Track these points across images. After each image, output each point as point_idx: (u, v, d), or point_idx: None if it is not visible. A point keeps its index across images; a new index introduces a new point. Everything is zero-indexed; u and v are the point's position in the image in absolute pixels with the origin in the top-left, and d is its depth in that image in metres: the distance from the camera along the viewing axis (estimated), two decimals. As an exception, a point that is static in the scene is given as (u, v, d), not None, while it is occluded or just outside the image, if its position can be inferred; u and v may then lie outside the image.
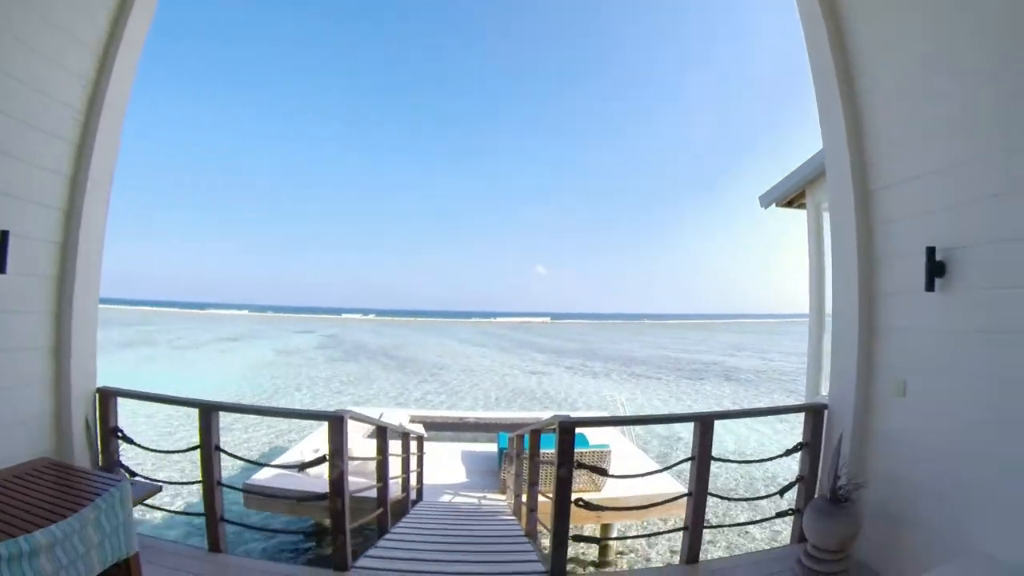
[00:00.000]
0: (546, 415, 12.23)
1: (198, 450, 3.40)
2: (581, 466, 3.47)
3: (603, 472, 3.49)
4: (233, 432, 11.83)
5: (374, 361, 28.49)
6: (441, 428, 10.04)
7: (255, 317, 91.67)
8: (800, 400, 5.34)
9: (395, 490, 5.18)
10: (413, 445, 6.15)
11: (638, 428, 11.04)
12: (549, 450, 5.97)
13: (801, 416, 3.58)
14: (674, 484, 5.82)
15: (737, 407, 16.80)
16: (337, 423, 3.25)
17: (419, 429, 9.99)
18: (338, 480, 3.21)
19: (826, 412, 3.44)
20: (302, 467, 3.60)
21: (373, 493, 4.56)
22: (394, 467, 5.24)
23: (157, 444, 9.39)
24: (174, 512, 4.70)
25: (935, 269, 2.65)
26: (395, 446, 5.50)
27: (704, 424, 3.31)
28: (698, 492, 3.32)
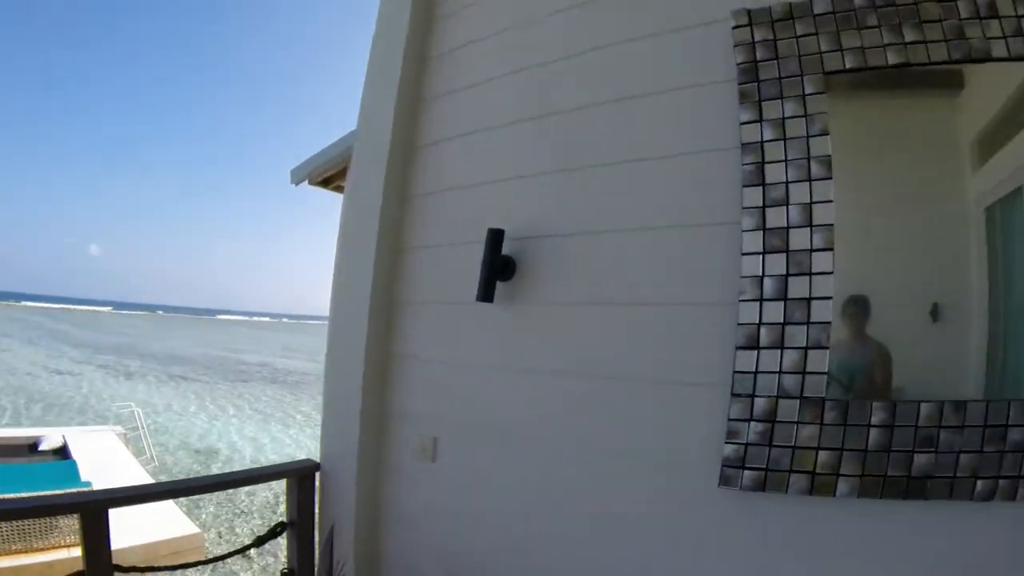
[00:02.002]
0: (49, 432, 8.01)
1: None
2: None
3: None
4: None
5: None
6: None
7: None
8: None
9: None
10: None
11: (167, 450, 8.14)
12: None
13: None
14: (185, 524, 4.81)
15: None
16: None
17: None
18: None
19: (318, 477, 2.15)
20: None
21: None
22: None
23: None
24: None
25: (498, 267, 1.68)
26: None
27: (91, 515, 1.63)
28: None
